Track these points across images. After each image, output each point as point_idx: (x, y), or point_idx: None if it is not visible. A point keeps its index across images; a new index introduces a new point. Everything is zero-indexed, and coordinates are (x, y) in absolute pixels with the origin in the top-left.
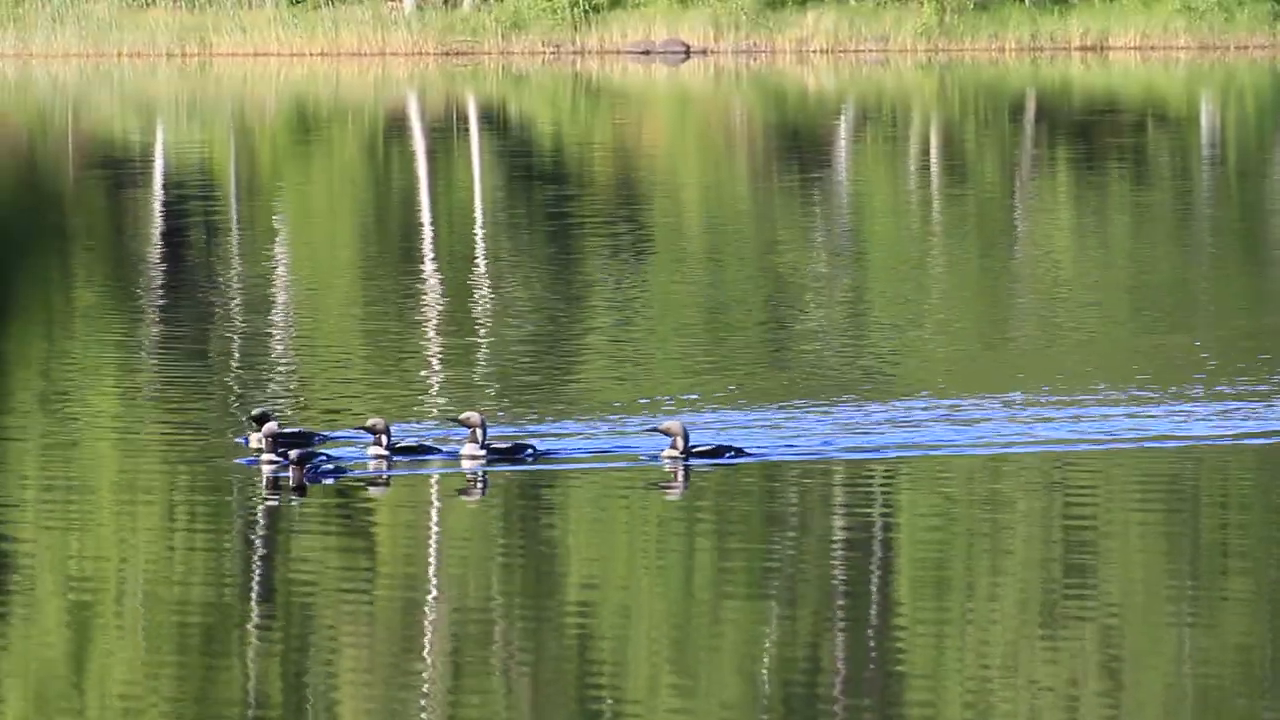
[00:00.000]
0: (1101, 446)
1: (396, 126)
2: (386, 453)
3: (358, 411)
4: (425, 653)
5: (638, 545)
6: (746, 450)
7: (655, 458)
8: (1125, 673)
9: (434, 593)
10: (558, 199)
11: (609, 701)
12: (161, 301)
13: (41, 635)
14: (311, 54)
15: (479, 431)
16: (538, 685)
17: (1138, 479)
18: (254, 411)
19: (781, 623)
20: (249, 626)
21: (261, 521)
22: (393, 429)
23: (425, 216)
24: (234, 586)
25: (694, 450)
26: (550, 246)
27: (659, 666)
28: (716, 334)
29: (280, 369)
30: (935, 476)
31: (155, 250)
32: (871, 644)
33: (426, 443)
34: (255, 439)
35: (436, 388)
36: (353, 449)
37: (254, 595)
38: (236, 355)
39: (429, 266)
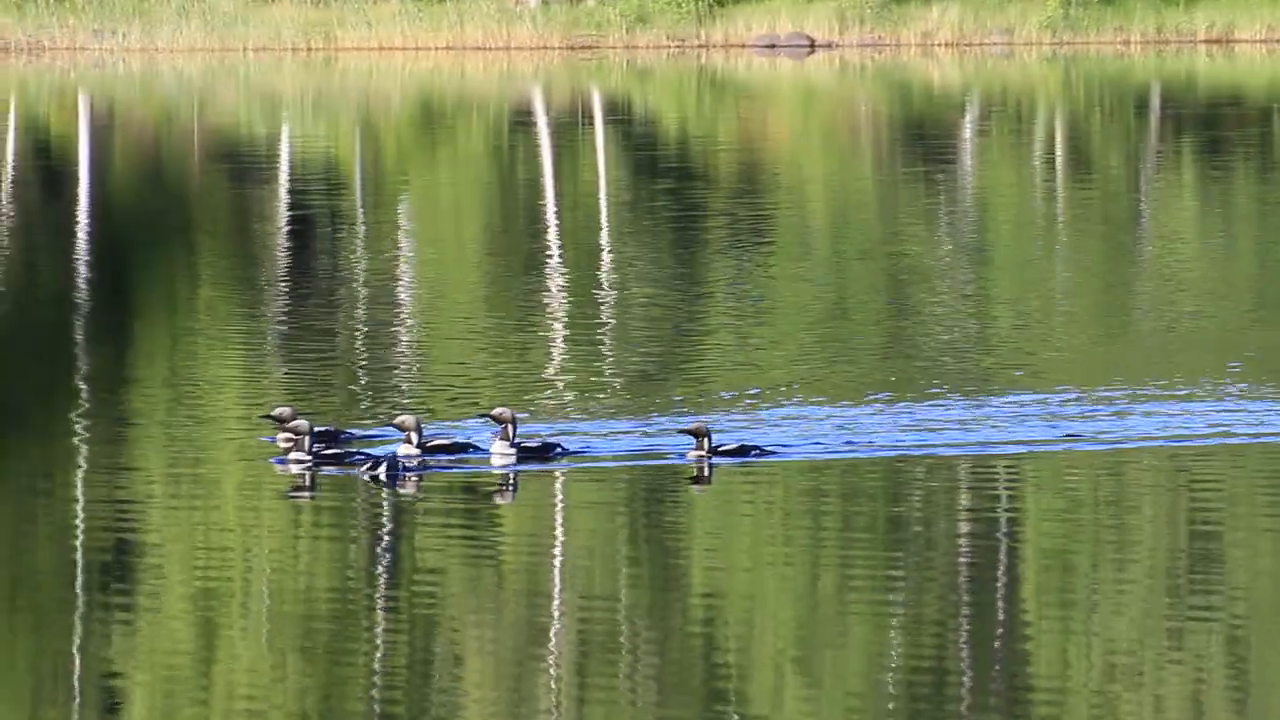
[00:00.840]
0: (1228, 441)
1: (521, 120)
2: (417, 451)
3: (480, 404)
4: (550, 650)
5: (761, 543)
6: (768, 449)
7: (682, 456)
8: (1253, 673)
9: (557, 590)
10: (681, 193)
11: (733, 699)
12: (286, 296)
13: (168, 630)
14: (436, 48)
15: (509, 428)
16: (663, 683)
17: (1265, 476)
18: (275, 410)
19: (906, 620)
20: (373, 622)
21: (383, 518)
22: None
23: (549, 211)
24: (357, 582)
25: (718, 449)
26: (674, 240)
27: (784, 663)
28: (839, 328)
29: (404, 363)
30: (1060, 471)
31: (280, 245)
32: (996, 642)
33: (459, 440)
34: (283, 438)
35: (559, 381)
36: (385, 447)
37: (377, 591)
38: (360, 350)
39: (553, 261)
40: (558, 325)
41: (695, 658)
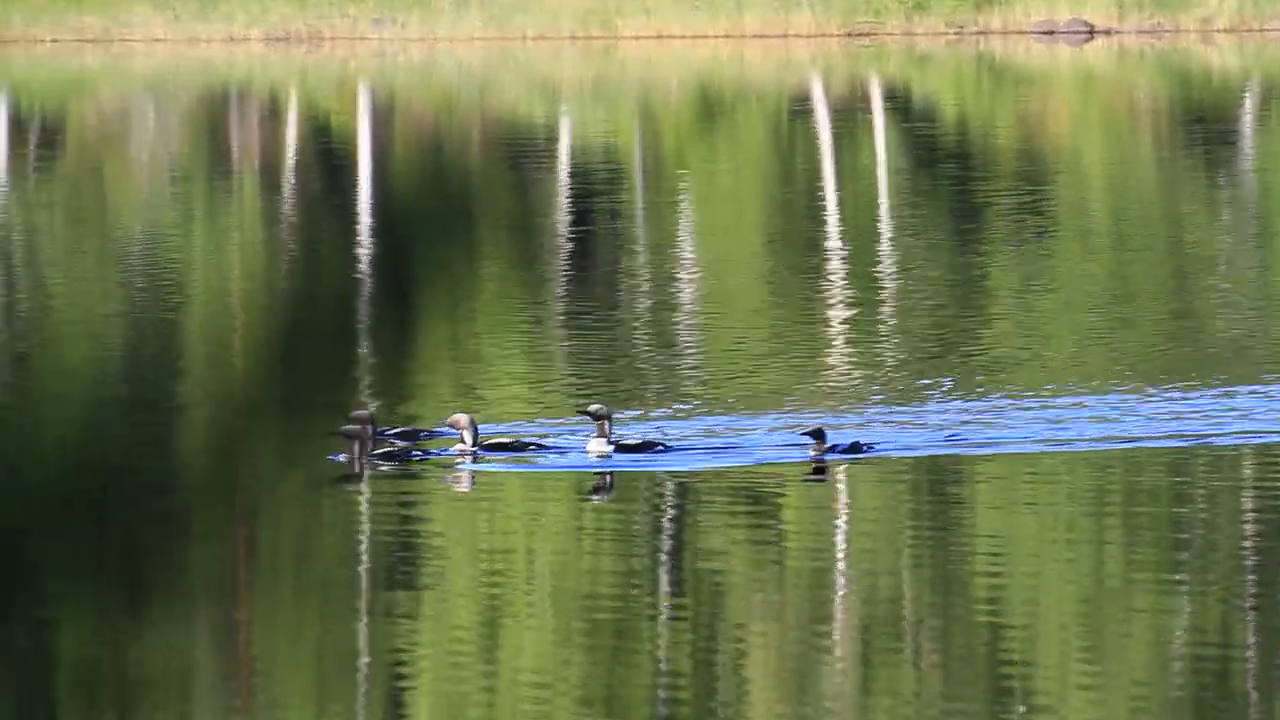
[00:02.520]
0: None
1: (800, 108)
2: (474, 449)
3: (757, 393)
4: (833, 640)
5: (1045, 530)
6: (874, 445)
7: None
8: None
9: (839, 581)
10: (961, 180)
11: (1019, 684)
12: (567, 286)
13: (453, 623)
14: (715, 36)
15: (606, 425)
16: (948, 672)
17: None
18: (357, 411)
19: (1192, 606)
20: (656, 613)
21: (663, 511)
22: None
23: (829, 199)
24: (640, 573)
25: (832, 448)
26: (954, 228)
27: (1068, 652)
28: (1121, 315)
29: (684, 351)
30: None
31: (560, 234)
32: None
33: (521, 439)
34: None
35: (840, 369)
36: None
37: (660, 582)
38: (641, 339)
39: (833, 248)
40: (837, 314)
41: (979, 648)
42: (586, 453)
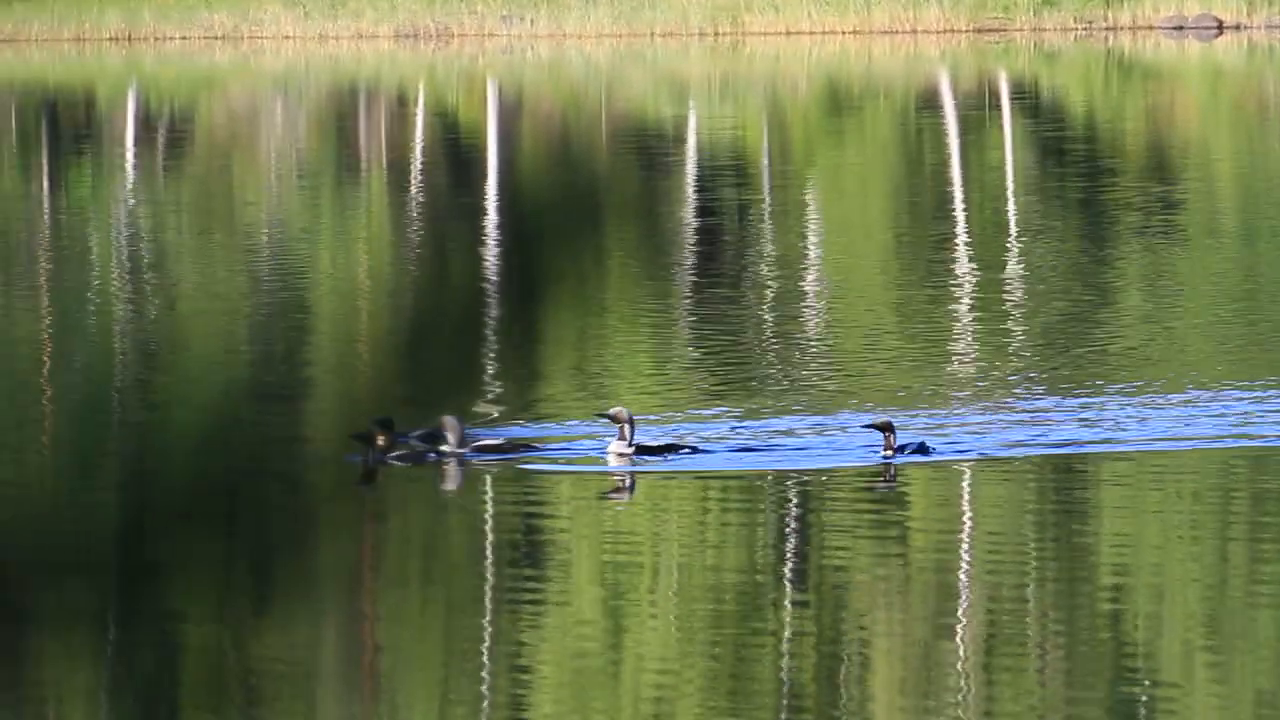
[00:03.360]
0: None
1: (928, 104)
2: (462, 451)
3: (885, 394)
4: (956, 637)
5: (1169, 530)
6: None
7: (876, 455)
8: None
9: (964, 576)
10: (1090, 176)
11: (1145, 683)
12: (694, 283)
13: (577, 617)
14: (843, 32)
15: (626, 428)
16: (1071, 669)
17: None
18: (377, 418)
19: None
20: (780, 608)
21: (790, 503)
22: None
23: (957, 195)
24: (764, 568)
25: (899, 448)
26: (1082, 224)
27: (1193, 650)
28: (1250, 312)
29: (810, 348)
30: None
31: (688, 231)
32: None
33: (515, 440)
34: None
35: (964, 368)
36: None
37: (784, 578)
38: (768, 336)
39: (961, 245)
40: (964, 311)
41: (1102, 649)
42: (606, 455)
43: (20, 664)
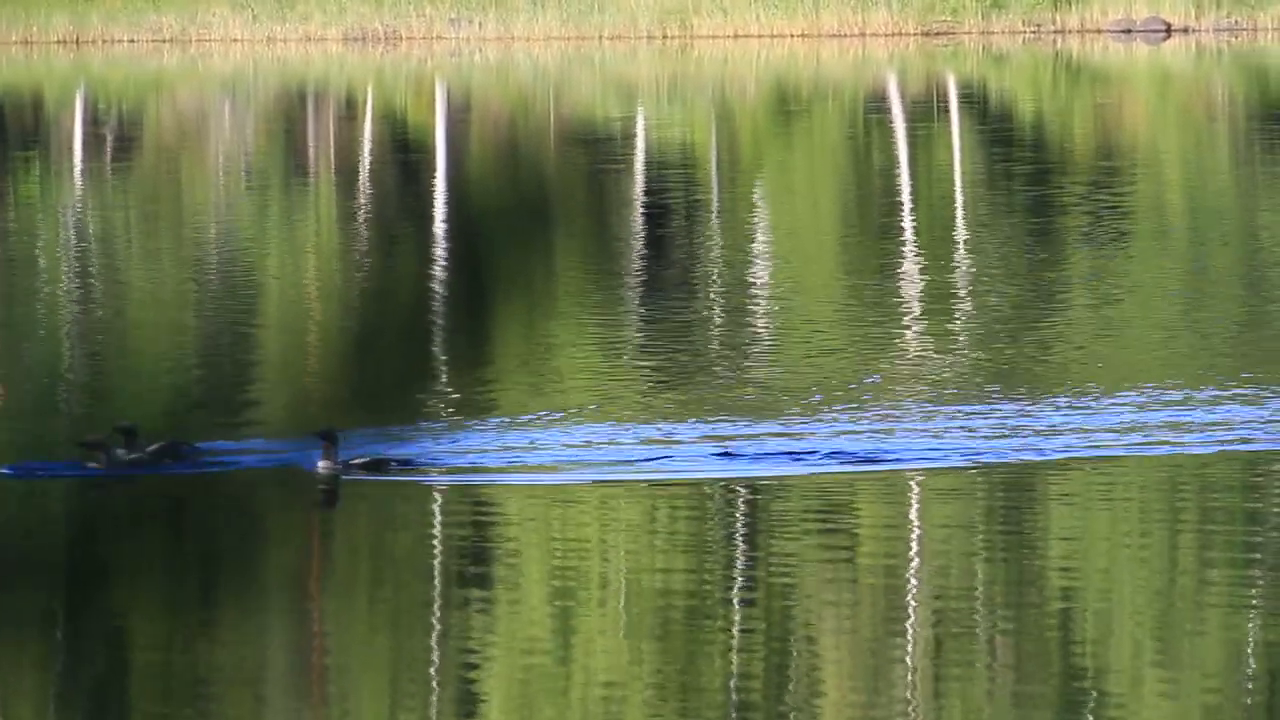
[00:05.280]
0: None
1: (876, 107)
2: (339, 465)
3: (837, 397)
4: (905, 640)
5: (1117, 534)
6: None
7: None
8: None
9: (911, 582)
10: (1037, 179)
11: (1091, 680)
12: (641, 285)
13: (526, 619)
14: (792, 35)
15: (331, 446)
16: (1020, 673)
17: None
18: (121, 424)
19: (1267, 611)
20: (728, 612)
21: (736, 507)
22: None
23: (905, 197)
24: (712, 574)
25: (351, 462)
26: (1029, 226)
27: (1142, 653)
28: (1195, 315)
29: (757, 350)
30: None
31: (636, 232)
32: None
33: (379, 457)
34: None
35: (913, 372)
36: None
37: (732, 584)
38: (715, 337)
39: (908, 246)
40: (912, 316)
41: (1051, 651)
42: (316, 471)
43: None
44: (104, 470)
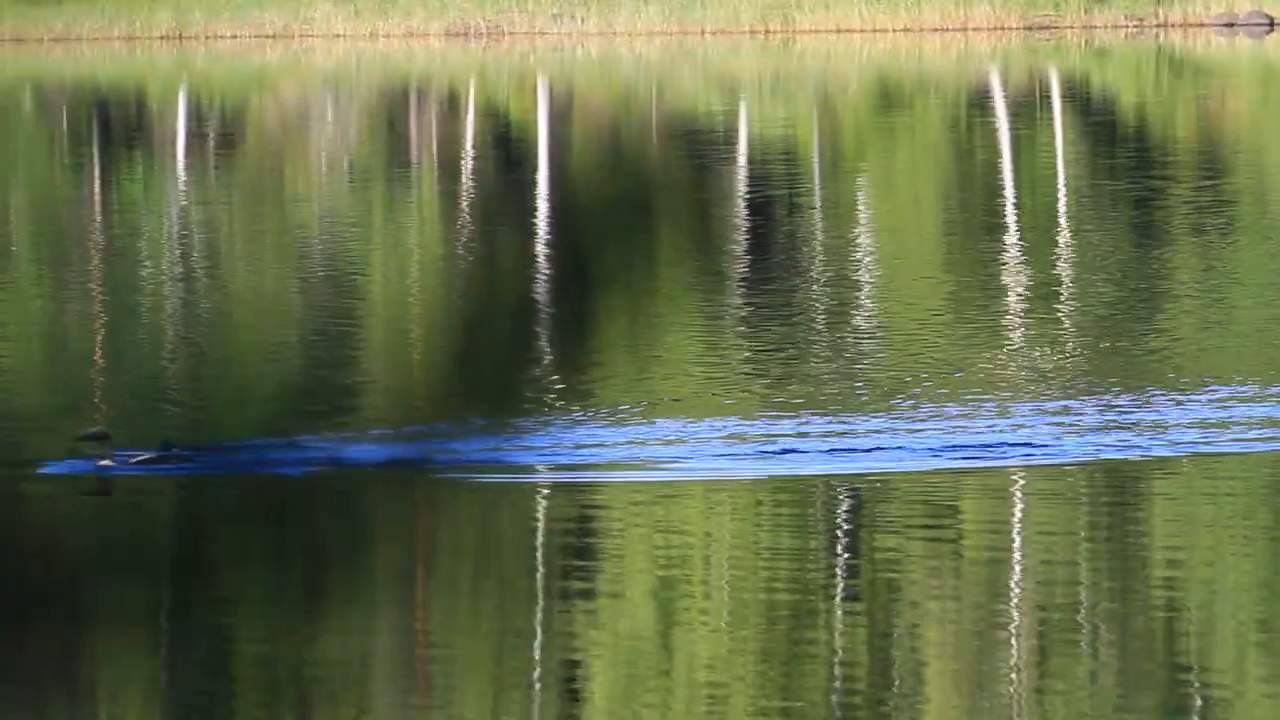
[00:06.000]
0: None
1: (979, 101)
2: (111, 462)
3: (931, 385)
4: (1009, 639)
5: (1223, 532)
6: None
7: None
8: None
9: (1015, 582)
10: (1140, 174)
11: (1196, 681)
12: (745, 280)
13: (629, 616)
14: (894, 30)
15: (105, 445)
16: (1124, 674)
17: None
18: (92, 430)
19: None
20: (831, 609)
21: (841, 501)
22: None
23: (1008, 191)
24: (816, 570)
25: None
26: (1133, 221)
27: (1246, 650)
28: None
29: (858, 347)
30: None
31: (739, 228)
32: None
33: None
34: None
35: (1017, 368)
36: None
37: (834, 579)
38: (817, 333)
39: (1011, 242)
40: (1015, 312)
41: (1155, 649)
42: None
43: (73, 662)
44: (118, 468)
